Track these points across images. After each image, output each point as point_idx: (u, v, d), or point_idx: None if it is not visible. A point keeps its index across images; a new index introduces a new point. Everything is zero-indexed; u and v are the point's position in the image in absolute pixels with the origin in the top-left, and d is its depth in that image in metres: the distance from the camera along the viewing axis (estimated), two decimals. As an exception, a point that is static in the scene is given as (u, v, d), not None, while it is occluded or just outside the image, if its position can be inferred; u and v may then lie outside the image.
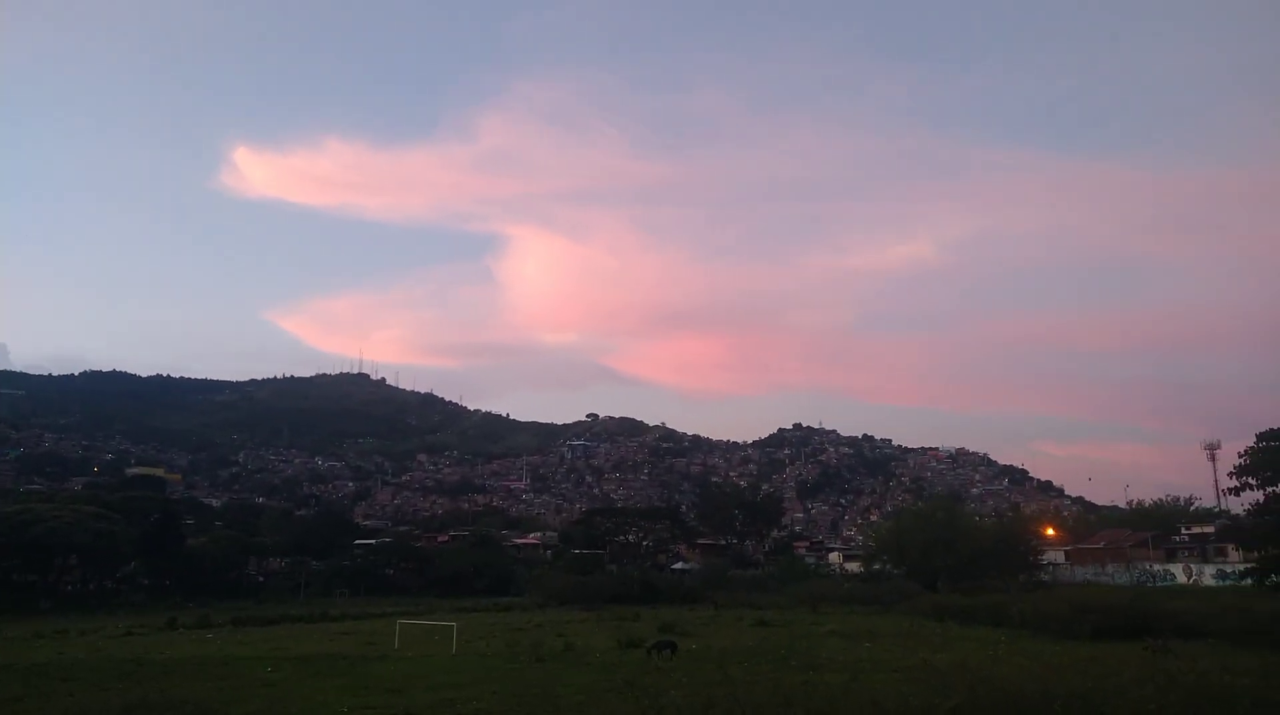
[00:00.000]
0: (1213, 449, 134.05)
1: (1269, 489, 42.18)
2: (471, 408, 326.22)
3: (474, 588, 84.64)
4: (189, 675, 25.27)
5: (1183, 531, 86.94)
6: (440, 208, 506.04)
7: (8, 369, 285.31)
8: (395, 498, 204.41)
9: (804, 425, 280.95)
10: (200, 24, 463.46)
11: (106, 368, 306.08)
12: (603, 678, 22.30)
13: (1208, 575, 64.87)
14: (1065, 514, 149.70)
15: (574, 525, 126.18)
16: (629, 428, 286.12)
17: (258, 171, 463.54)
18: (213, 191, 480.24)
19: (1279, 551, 41.32)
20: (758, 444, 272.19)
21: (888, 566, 73.07)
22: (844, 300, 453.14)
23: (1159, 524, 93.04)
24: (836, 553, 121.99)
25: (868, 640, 33.05)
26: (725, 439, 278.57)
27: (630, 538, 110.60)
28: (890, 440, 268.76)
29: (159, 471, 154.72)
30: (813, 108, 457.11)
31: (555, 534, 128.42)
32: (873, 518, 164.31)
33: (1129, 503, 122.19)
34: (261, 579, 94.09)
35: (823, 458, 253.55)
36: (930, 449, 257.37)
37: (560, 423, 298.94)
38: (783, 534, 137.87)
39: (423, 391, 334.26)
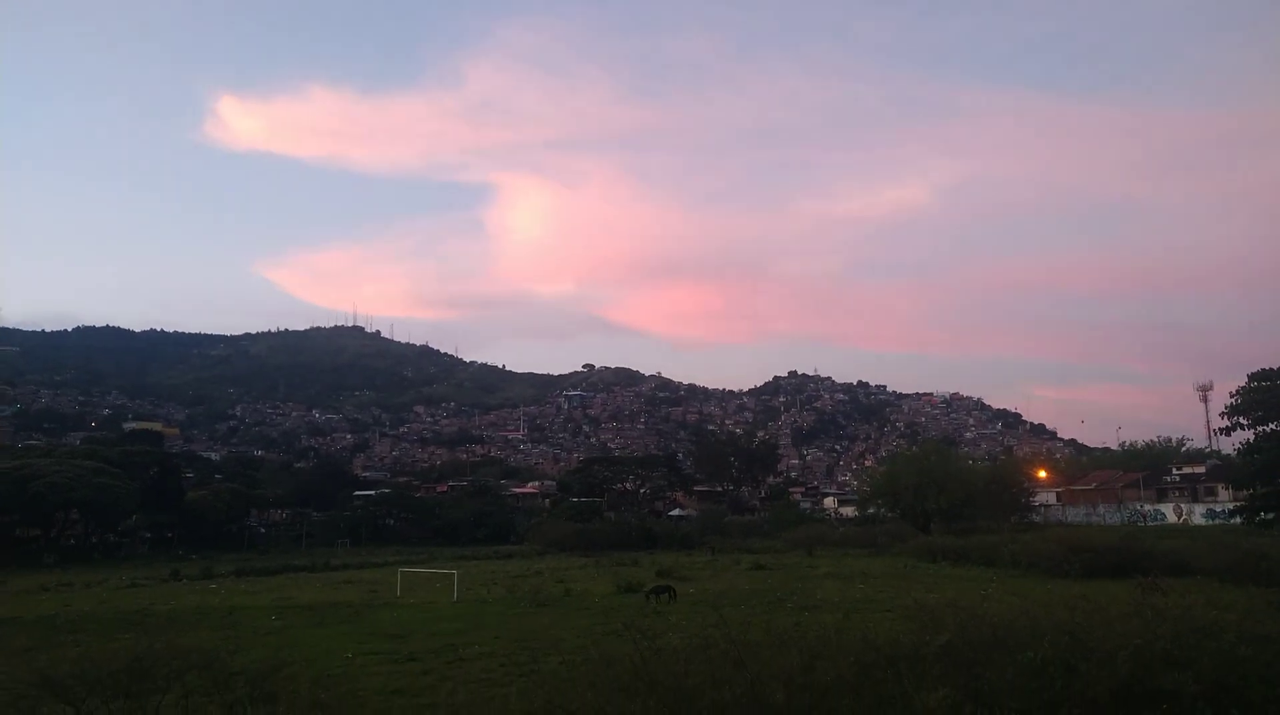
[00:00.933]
0: (1205, 390, 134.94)
1: (1260, 428, 42.61)
2: (467, 359, 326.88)
3: (474, 537, 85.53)
4: (195, 625, 25.66)
5: (1174, 472, 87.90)
6: (429, 157, 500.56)
7: (1, 326, 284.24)
8: (393, 449, 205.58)
9: (799, 373, 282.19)
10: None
11: (100, 323, 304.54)
12: (601, 621, 22.72)
13: (1198, 514, 65.83)
14: (1058, 456, 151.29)
15: (572, 474, 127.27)
16: (625, 378, 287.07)
17: (242, 122, 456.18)
18: (198, 144, 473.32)
19: (1268, 489, 41.93)
20: (753, 392, 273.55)
21: (882, 510, 73.96)
22: (834, 246, 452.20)
23: (1150, 465, 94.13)
24: (832, 498, 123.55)
25: (861, 581, 33.65)
26: (720, 387, 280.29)
27: (628, 486, 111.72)
28: (885, 386, 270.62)
29: (157, 426, 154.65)
30: (800, 51, 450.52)
31: (553, 483, 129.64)
32: (867, 463, 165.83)
33: (1121, 444, 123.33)
34: (263, 530, 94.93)
35: (818, 405, 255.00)
36: (925, 394, 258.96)
37: (556, 373, 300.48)
38: (778, 480, 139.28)
39: (418, 344, 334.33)
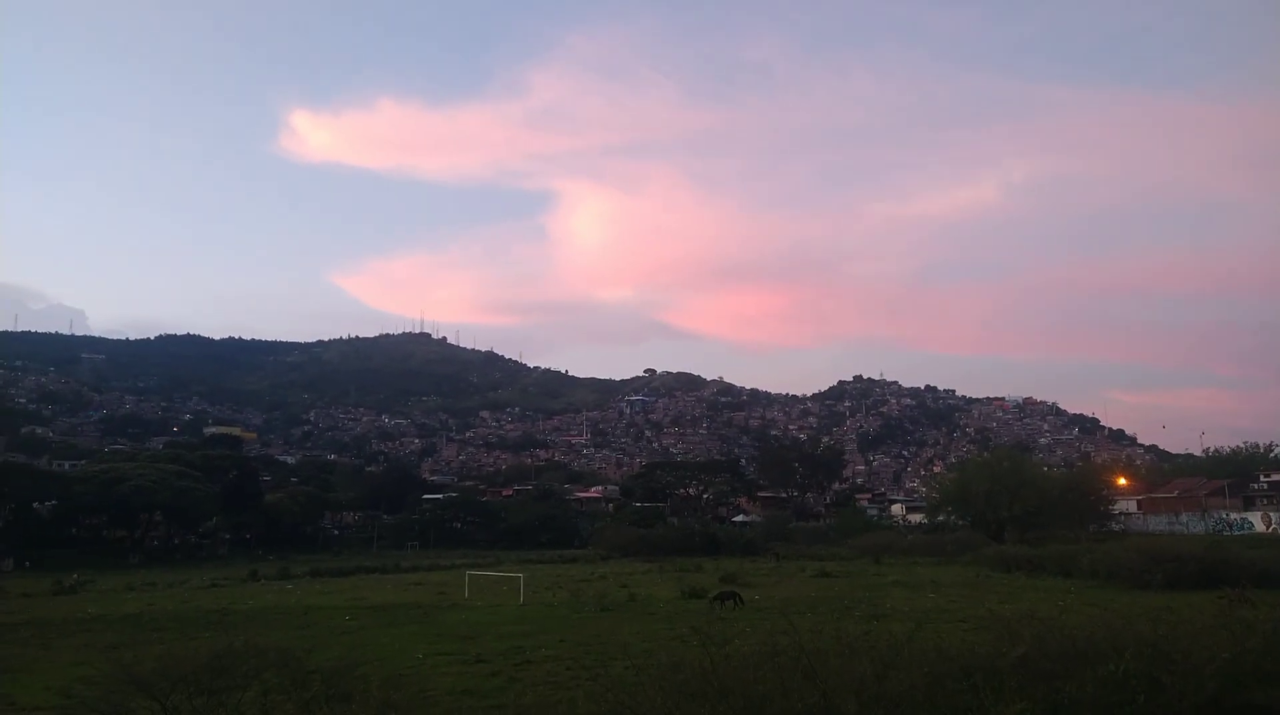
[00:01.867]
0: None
1: (1356, 435, 40.49)
2: (531, 365, 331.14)
3: (539, 540, 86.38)
4: (272, 624, 26.48)
5: (1261, 479, 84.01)
6: (494, 165, 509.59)
7: (88, 334, 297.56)
8: (460, 453, 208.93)
9: (864, 377, 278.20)
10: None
11: (181, 332, 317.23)
12: (666, 627, 22.71)
13: (1288, 524, 62.78)
14: (1138, 463, 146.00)
15: (634, 479, 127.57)
16: (686, 382, 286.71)
17: (315, 135, 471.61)
18: (274, 156, 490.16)
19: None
20: (817, 397, 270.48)
21: (952, 518, 72.31)
22: (905, 248, 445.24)
23: (1236, 472, 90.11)
24: (899, 505, 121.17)
25: (931, 591, 32.95)
26: (784, 392, 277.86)
27: (690, 491, 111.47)
28: (954, 391, 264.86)
29: (235, 431, 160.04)
30: (870, 50, 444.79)
31: (616, 487, 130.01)
32: (936, 469, 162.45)
33: (1205, 451, 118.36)
34: (336, 532, 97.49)
35: (884, 409, 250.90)
36: (996, 399, 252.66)
37: (618, 378, 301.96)
38: (844, 486, 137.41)
39: (483, 350, 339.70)
